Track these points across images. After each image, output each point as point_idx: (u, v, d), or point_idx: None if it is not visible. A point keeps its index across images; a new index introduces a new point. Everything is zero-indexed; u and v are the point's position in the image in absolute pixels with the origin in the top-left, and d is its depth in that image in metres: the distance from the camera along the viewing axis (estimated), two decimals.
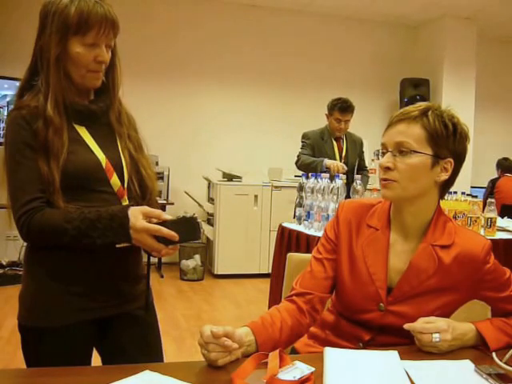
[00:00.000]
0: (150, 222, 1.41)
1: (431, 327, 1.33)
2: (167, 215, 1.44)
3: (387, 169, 1.41)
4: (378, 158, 1.48)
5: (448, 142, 1.41)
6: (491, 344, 1.36)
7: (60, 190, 1.42)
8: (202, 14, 6.62)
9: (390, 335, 1.42)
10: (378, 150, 1.48)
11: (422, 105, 1.44)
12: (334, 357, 1.26)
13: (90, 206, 1.44)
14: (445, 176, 1.44)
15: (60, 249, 1.45)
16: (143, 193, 1.59)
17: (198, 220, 1.44)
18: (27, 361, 1.55)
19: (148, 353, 1.62)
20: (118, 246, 1.48)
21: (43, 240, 1.45)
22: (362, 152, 4.76)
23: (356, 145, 4.64)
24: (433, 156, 1.40)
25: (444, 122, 1.41)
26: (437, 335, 1.32)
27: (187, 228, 1.43)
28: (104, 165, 1.51)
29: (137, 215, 1.40)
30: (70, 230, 1.39)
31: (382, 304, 1.45)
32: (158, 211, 1.44)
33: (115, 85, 1.59)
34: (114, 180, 1.53)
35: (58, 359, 1.45)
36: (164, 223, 1.41)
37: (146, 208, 1.44)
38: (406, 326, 1.34)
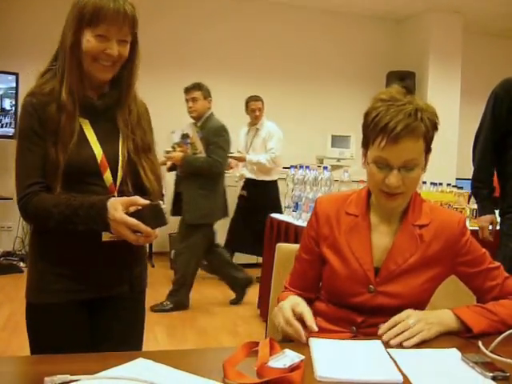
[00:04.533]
0: (127, 210, 1.46)
1: (400, 315, 1.39)
2: (141, 199, 1.48)
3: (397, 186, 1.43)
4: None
5: (433, 138, 1.47)
6: (473, 327, 1.39)
7: (62, 175, 1.50)
8: (194, 4, 6.60)
9: (381, 316, 1.46)
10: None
11: (410, 106, 1.41)
12: (319, 346, 1.29)
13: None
14: (427, 164, 1.51)
15: (55, 234, 1.54)
16: (142, 194, 1.60)
17: (162, 206, 1.46)
18: (28, 336, 1.63)
19: (127, 340, 1.69)
20: (103, 239, 1.55)
21: (36, 222, 1.58)
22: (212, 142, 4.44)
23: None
24: (425, 159, 1.47)
25: (435, 124, 1.45)
26: (410, 319, 1.36)
27: (157, 215, 1.46)
28: (99, 160, 1.56)
29: (116, 206, 1.45)
30: (55, 215, 1.48)
31: (371, 286, 1.49)
32: (133, 197, 1.49)
33: (129, 82, 1.62)
34: (107, 175, 1.57)
35: (52, 335, 1.57)
36: (139, 212, 1.46)
37: (124, 198, 1.49)
38: (380, 333, 1.37)
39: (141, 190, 1.62)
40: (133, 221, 1.43)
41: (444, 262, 1.53)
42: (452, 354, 1.28)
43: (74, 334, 1.60)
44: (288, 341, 1.57)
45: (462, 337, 1.40)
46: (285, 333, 1.39)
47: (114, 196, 1.54)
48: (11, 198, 5.65)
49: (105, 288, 1.63)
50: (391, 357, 1.25)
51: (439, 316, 1.42)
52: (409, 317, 1.37)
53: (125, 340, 1.65)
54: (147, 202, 1.47)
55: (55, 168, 1.50)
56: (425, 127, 1.41)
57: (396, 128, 1.37)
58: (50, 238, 1.57)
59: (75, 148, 1.51)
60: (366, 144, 1.48)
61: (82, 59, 1.53)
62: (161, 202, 1.46)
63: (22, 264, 5.59)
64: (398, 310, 1.46)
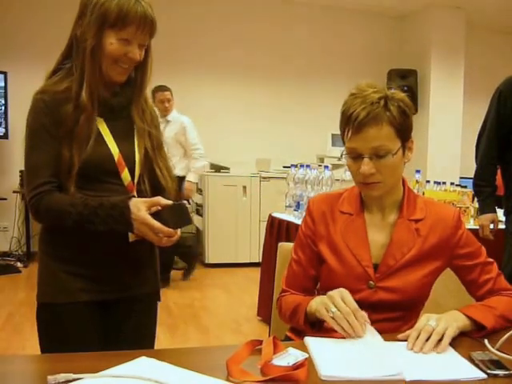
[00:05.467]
0: (150, 211, 1.46)
1: (421, 321, 1.35)
2: (164, 199, 1.48)
3: (370, 174, 1.45)
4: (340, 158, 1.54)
5: (409, 125, 1.48)
6: (486, 324, 1.37)
7: (76, 176, 1.49)
8: (194, 1, 6.61)
9: (381, 312, 1.48)
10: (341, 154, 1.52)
11: (375, 95, 1.44)
12: (317, 345, 1.29)
13: (99, 196, 1.50)
14: (411, 154, 1.52)
15: (68, 233, 1.53)
16: (157, 191, 1.60)
17: (187, 205, 1.47)
18: (39, 336, 1.62)
19: (141, 340, 1.67)
20: (130, 240, 1.54)
21: (48, 221, 1.55)
22: None
23: None
24: (402, 145, 1.47)
25: (404, 110, 1.46)
26: (431, 321, 1.33)
27: (179, 215, 1.47)
28: (116, 159, 1.55)
29: (140, 207, 1.45)
30: (73, 214, 1.47)
31: (371, 282, 1.50)
32: (155, 198, 1.49)
33: (143, 83, 1.62)
34: (125, 174, 1.57)
35: (64, 336, 1.56)
36: (159, 212, 1.45)
37: (146, 199, 1.49)
38: (409, 347, 1.31)
39: (156, 188, 1.62)
40: (155, 223, 1.43)
41: (441, 255, 1.54)
42: (454, 352, 1.28)
43: (86, 335, 1.58)
44: (291, 339, 1.58)
45: (474, 337, 1.37)
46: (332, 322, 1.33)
47: (133, 195, 1.54)
48: (6, 199, 5.67)
49: (122, 289, 1.62)
50: (388, 350, 1.26)
51: (452, 315, 1.39)
52: (429, 320, 1.34)
53: (138, 341, 1.63)
54: (170, 202, 1.47)
55: (69, 169, 1.48)
56: (390, 114, 1.42)
57: (358, 117, 1.41)
58: (62, 237, 1.55)
59: (92, 147, 1.50)
60: (343, 139, 1.52)
61: (101, 61, 1.51)
62: (185, 202, 1.46)
63: (19, 264, 5.58)
64: (398, 304, 1.49)
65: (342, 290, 1.38)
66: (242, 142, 6.74)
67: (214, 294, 5.16)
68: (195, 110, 6.63)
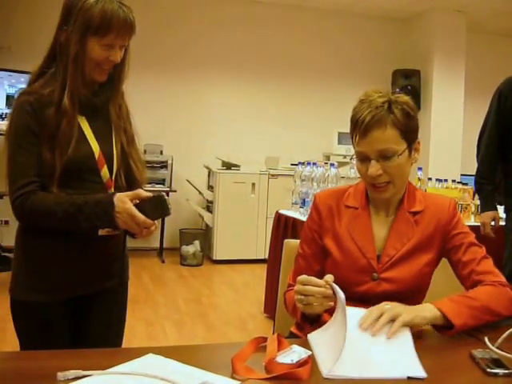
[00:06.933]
0: (132, 203, 1.49)
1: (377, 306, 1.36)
2: (144, 192, 1.51)
3: (378, 175, 1.49)
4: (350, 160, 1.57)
5: (414, 127, 1.53)
6: (454, 319, 1.34)
7: (58, 178, 1.49)
8: (205, 5, 6.64)
9: None
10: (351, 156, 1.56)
11: (380, 99, 1.48)
12: (319, 342, 1.30)
13: (78, 194, 1.52)
14: (417, 155, 1.56)
15: (42, 234, 1.54)
16: (131, 184, 1.64)
17: (166, 197, 1.50)
18: (15, 331, 1.63)
19: (112, 326, 1.73)
20: (100, 233, 1.57)
21: (34, 221, 1.53)
22: None
23: None
24: (408, 147, 1.51)
25: (408, 113, 1.50)
26: (388, 305, 1.33)
27: (159, 206, 1.50)
28: (97, 156, 1.58)
29: (124, 200, 1.48)
30: (58, 213, 1.48)
31: (375, 274, 1.54)
32: (137, 191, 1.52)
33: (120, 80, 1.65)
34: (104, 171, 1.60)
35: (37, 332, 1.57)
36: (139, 204, 1.48)
37: (128, 193, 1.52)
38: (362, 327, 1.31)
39: (130, 181, 1.65)
40: (140, 216, 1.46)
41: (437, 242, 1.58)
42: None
43: (58, 331, 1.60)
44: (295, 336, 1.60)
45: (443, 333, 1.36)
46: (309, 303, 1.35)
47: (114, 192, 1.56)
48: None
49: (94, 284, 1.64)
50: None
51: (421, 307, 1.39)
52: (387, 304, 1.34)
53: (109, 327, 1.70)
54: (150, 194, 1.50)
55: (51, 172, 1.50)
56: (393, 116, 1.47)
57: (364, 121, 1.46)
58: (37, 238, 1.57)
59: (74, 145, 1.51)
60: (353, 144, 1.56)
61: (84, 65, 1.53)
62: (163, 194, 1.50)
63: None
64: (400, 295, 1.49)
65: (298, 278, 1.37)
66: (252, 141, 6.77)
67: (220, 290, 5.19)
68: (209, 111, 6.71)
